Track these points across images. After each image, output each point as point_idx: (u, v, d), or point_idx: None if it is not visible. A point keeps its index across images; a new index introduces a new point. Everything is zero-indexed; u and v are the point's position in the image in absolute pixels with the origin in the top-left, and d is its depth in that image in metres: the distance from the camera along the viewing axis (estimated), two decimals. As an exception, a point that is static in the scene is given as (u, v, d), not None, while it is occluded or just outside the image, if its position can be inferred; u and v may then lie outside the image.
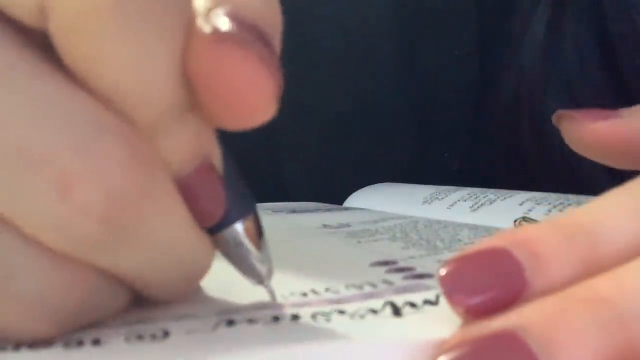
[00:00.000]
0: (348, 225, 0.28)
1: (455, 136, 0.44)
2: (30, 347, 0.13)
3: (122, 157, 0.12)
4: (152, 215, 0.13)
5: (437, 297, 0.15)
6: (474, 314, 0.13)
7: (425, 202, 0.34)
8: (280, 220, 0.31)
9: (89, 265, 0.13)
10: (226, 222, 0.15)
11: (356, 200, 0.40)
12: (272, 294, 0.16)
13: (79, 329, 0.14)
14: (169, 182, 0.13)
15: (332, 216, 0.32)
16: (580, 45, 0.36)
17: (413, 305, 0.15)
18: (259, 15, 0.13)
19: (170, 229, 0.14)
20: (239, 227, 0.15)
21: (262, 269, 0.15)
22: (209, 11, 0.13)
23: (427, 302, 0.15)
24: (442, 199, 0.34)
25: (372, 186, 0.41)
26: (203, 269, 0.15)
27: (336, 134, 0.45)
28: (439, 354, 0.12)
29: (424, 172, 0.43)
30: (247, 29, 0.13)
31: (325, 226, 0.28)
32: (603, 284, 0.13)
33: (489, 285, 0.13)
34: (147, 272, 0.14)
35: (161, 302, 0.15)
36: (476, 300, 0.13)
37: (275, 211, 0.35)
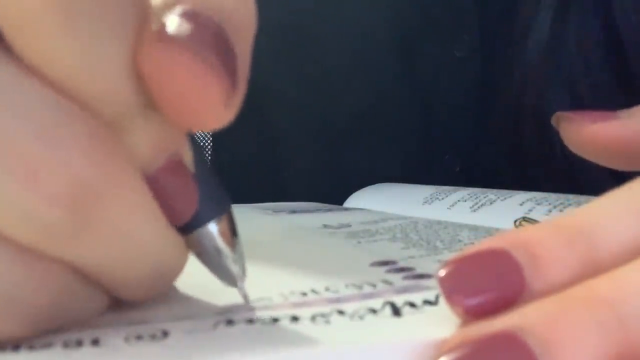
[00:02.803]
0: (348, 225, 0.28)
1: (456, 137, 0.44)
2: (29, 347, 0.13)
3: (86, 146, 0.12)
4: (118, 205, 0.13)
5: (437, 297, 0.15)
6: (473, 315, 0.13)
7: (425, 202, 0.34)
8: (280, 220, 0.31)
9: (58, 262, 0.13)
10: (199, 221, 0.15)
11: (356, 200, 0.40)
12: (245, 296, 0.15)
13: (57, 330, 0.14)
14: (135, 175, 0.13)
15: (332, 216, 0.32)
16: (584, 45, 0.36)
17: (412, 305, 0.15)
18: (226, 14, 0.13)
19: (138, 222, 0.13)
20: (213, 226, 0.15)
21: (235, 270, 0.15)
22: (166, 8, 0.13)
23: (427, 302, 0.15)
24: (442, 199, 0.34)
25: (372, 186, 0.41)
26: (175, 269, 0.15)
27: (336, 134, 0.45)
28: (439, 355, 0.12)
29: (425, 173, 0.43)
30: (201, 31, 0.13)
31: (325, 226, 0.28)
32: (602, 285, 0.13)
33: (488, 286, 0.13)
34: (117, 269, 0.14)
35: (135, 302, 0.15)
36: (475, 300, 0.13)
37: (275, 211, 0.35)
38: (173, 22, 0.13)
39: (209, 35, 0.13)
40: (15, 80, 0.12)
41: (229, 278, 0.15)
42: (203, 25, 0.13)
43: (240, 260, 0.15)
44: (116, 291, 0.15)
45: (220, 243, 0.15)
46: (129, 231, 0.13)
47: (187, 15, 0.13)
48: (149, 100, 0.13)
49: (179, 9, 0.13)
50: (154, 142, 0.14)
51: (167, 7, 0.13)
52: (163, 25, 0.13)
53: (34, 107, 0.12)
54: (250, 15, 0.14)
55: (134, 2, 0.13)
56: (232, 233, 0.15)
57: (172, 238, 0.14)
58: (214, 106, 0.13)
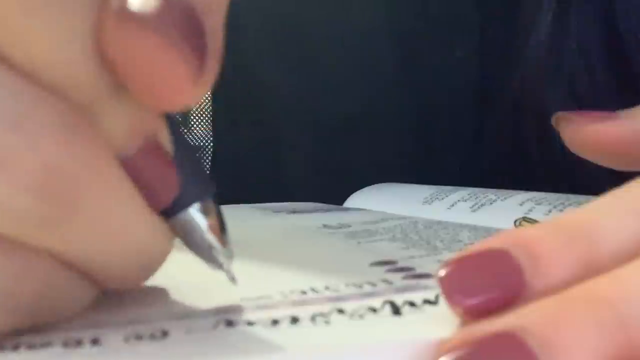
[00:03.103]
0: (348, 226, 0.28)
1: (456, 137, 0.44)
2: (29, 346, 0.13)
3: (55, 131, 0.12)
4: (94, 190, 0.13)
5: (437, 297, 0.15)
6: (473, 315, 0.13)
7: (425, 202, 0.34)
8: (280, 220, 0.31)
9: (40, 251, 0.13)
10: (181, 204, 0.14)
11: (356, 200, 0.40)
12: (232, 278, 0.15)
13: (45, 329, 0.14)
14: (110, 159, 0.13)
15: (332, 216, 0.32)
16: (585, 45, 0.35)
17: (412, 304, 0.15)
18: None
19: (117, 207, 0.13)
20: (195, 210, 0.14)
21: (220, 254, 0.15)
22: None
23: (427, 302, 0.15)
24: (442, 199, 0.34)
25: (372, 186, 0.41)
26: (160, 254, 0.15)
27: (336, 134, 0.45)
28: (439, 354, 0.12)
29: (425, 173, 0.43)
30: (166, 8, 0.12)
31: (325, 226, 0.28)
32: (603, 285, 0.13)
33: (488, 286, 0.13)
34: (99, 256, 0.14)
35: (119, 290, 0.15)
36: (475, 300, 0.13)
37: (275, 211, 0.35)
38: (135, 1, 0.12)
39: (175, 13, 0.12)
40: None
41: (214, 262, 0.15)
42: (169, 3, 0.12)
43: (226, 242, 0.15)
44: (101, 279, 0.14)
45: (204, 226, 0.15)
46: (107, 217, 0.13)
47: None
48: (119, 82, 0.13)
49: None
50: (128, 125, 0.13)
51: None
52: (125, 2, 0.12)
53: (4, 96, 0.12)
54: None
55: None
56: (218, 218, 0.15)
57: (154, 222, 0.14)
58: (182, 86, 0.13)
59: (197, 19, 0.13)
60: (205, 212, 0.15)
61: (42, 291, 0.13)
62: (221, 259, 0.15)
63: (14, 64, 0.12)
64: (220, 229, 0.15)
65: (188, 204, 0.14)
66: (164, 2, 0.12)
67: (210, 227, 0.15)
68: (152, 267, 0.15)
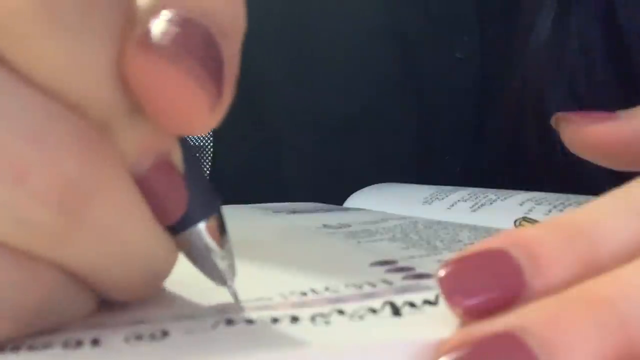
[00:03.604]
0: (348, 226, 0.28)
1: (456, 137, 0.44)
2: (29, 347, 0.13)
3: (74, 146, 0.12)
4: (108, 205, 0.13)
5: (437, 297, 0.15)
6: (472, 315, 0.13)
7: (425, 202, 0.34)
8: (280, 221, 0.31)
9: (46, 262, 0.13)
10: (188, 221, 0.15)
11: (356, 200, 0.40)
12: (234, 295, 0.15)
13: (46, 331, 0.14)
14: (124, 175, 0.13)
15: (332, 216, 0.32)
16: (586, 45, 0.35)
17: (412, 305, 0.15)
18: (215, 17, 0.13)
19: (127, 222, 0.13)
20: (202, 226, 0.15)
21: (224, 269, 0.15)
22: (152, 12, 0.13)
23: (427, 302, 0.15)
24: (442, 199, 0.34)
25: (372, 186, 0.41)
26: (165, 269, 0.15)
27: (336, 134, 0.45)
28: (439, 355, 0.12)
29: (425, 173, 0.43)
30: (186, 38, 0.12)
31: (325, 226, 0.28)
32: (602, 285, 0.13)
33: (488, 286, 0.13)
34: (106, 269, 0.14)
35: (124, 303, 0.15)
36: (474, 301, 0.13)
37: (275, 211, 0.35)
38: (157, 29, 0.12)
39: (194, 42, 0.13)
40: (8, 84, 0.12)
41: (218, 277, 0.15)
42: (189, 32, 0.13)
43: (230, 260, 0.15)
44: (106, 291, 0.15)
45: (210, 242, 0.15)
46: (118, 231, 0.13)
47: (173, 21, 0.13)
48: (136, 103, 0.13)
49: (165, 14, 0.13)
50: (143, 143, 0.14)
51: (154, 11, 0.13)
52: (147, 32, 0.12)
53: (21, 108, 0.12)
54: (239, 17, 0.14)
55: (119, 4, 0.13)
56: (221, 233, 0.15)
57: (162, 238, 0.14)
58: (199, 113, 0.13)
59: (216, 46, 0.13)
60: (210, 228, 0.15)
61: (46, 301, 0.13)
62: (225, 275, 0.15)
63: (37, 82, 0.12)
64: (224, 243, 0.15)
65: (195, 220, 0.15)
66: (183, 31, 0.13)
67: (215, 241, 0.15)
68: (157, 280, 0.15)
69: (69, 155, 0.12)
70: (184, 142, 0.15)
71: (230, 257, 0.15)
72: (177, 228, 0.15)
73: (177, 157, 0.14)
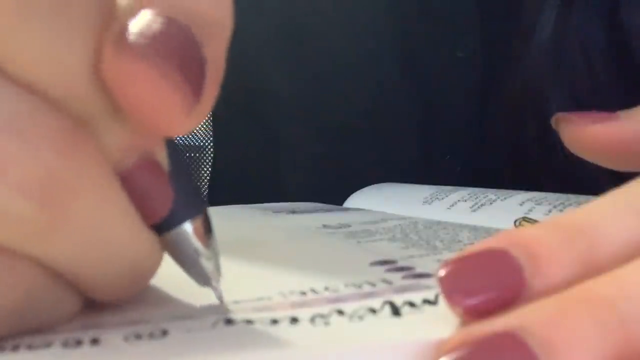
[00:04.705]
0: (348, 226, 0.28)
1: (457, 137, 0.44)
2: (28, 346, 0.13)
3: (54, 138, 0.12)
4: (89, 200, 0.13)
5: (436, 297, 0.15)
6: (472, 315, 0.13)
7: (425, 202, 0.34)
8: (280, 220, 0.31)
9: (27, 260, 0.13)
10: (174, 221, 0.15)
11: (356, 200, 0.40)
12: (220, 297, 0.15)
13: (29, 332, 0.14)
14: (107, 170, 0.13)
15: (331, 216, 0.32)
16: (587, 46, 0.35)
17: (412, 304, 0.15)
18: (198, 17, 0.13)
19: (110, 218, 0.13)
20: (188, 226, 0.15)
21: (210, 270, 0.15)
22: (131, 11, 0.13)
23: (426, 302, 0.15)
24: (442, 199, 0.34)
25: (372, 186, 0.41)
26: (149, 268, 0.15)
27: (336, 134, 0.45)
28: (439, 355, 0.12)
29: (425, 173, 0.43)
30: (164, 39, 0.12)
31: (325, 226, 0.28)
32: (602, 285, 0.13)
33: (488, 285, 0.13)
34: (89, 267, 0.14)
35: (109, 303, 0.15)
36: (474, 300, 0.13)
37: (275, 211, 0.35)
38: (135, 28, 0.12)
39: (173, 44, 0.12)
40: None
41: (203, 279, 0.15)
42: (168, 32, 0.12)
43: (215, 261, 0.15)
44: (89, 291, 0.14)
45: (195, 243, 0.15)
46: (101, 227, 0.13)
47: (152, 21, 0.12)
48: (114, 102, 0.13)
49: (144, 14, 0.12)
50: (126, 140, 0.13)
51: (133, 10, 0.13)
52: (123, 30, 0.12)
53: (6, 104, 0.12)
54: (225, 16, 0.14)
55: (98, 2, 0.13)
56: (207, 233, 0.15)
57: (146, 237, 0.14)
58: (174, 115, 0.13)
59: (196, 48, 0.13)
60: (196, 229, 0.15)
61: (27, 301, 0.13)
62: (210, 276, 0.15)
63: (15, 75, 0.12)
64: (209, 244, 0.15)
65: (181, 220, 0.15)
66: (162, 32, 0.12)
67: (200, 242, 0.15)
68: (141, 280, 0.15)
69: (50, 149, 0.12)
70: (170, 141, 0.15)
71: (215, 258, 0.15)
72: (162, 227, 0.15)
73: (161, 155, 0.14)
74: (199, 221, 0.15)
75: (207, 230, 0.15)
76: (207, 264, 0.15)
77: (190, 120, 0.13)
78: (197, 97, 0.13)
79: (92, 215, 0.13)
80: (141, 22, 0.12)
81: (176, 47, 0.12)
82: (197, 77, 0.13)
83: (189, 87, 0.12)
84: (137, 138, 0.14)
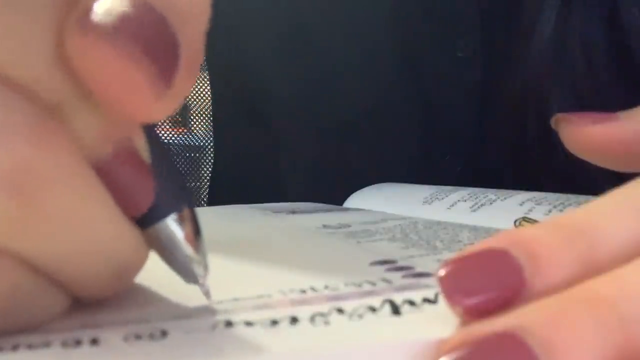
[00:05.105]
0: (348, 226, 0.28)
1: (457, 137, 0.44)
2: (28, 346, 0.13)
3: (25, 128, 0.12)
4: (63, 190, 0.12)
5: (436, 296, 0.15)
6: (472, 314, 0.13)
7: (425, 202, 0.34)
8: (280, 221, 0.31)
9: (10, 257, 0.13)
10: (157, 214, 0.14)
11: (356, 200, 0.40)
12: (207, 294, 0.15)
13: (28, 331, 0.14)
14: (81, 160, 0.13)
15: (331, 216, 0.32)
16: (588, 45, 0.35)
17: (412, 303, 0.15)
18: (171, 1, 0.12)
19: (86, 209, 0.13)
20: (172, 220, 0.14)
21: (196, 267, 0.15)
22: None
23: (426, 300, 0.15)
24: (442, 199, 0.34)
25: (372, 186, 0.41)
26: (133, 264, 0.15)
27: (336, 134, 0.45)
28: (439, 354, 0.12)
29: (425, 173, 0.43)
30: (131, 20, 0.12)
31: (325, 226, 0.28)
32: (602, 285, 0.13)
33: (488, 285, 0.13)
34: (70, 262, 0.13)
35: (94, 300, 0.15)
36: (474, 300, 0.13)
37: (275, 211, 0.35)
38: (100, 9, 0.12)
39: (140, 25, 0.12)
40: None
41: (190, 275, 0.15)
42: (135, 14, 0.12)
43: (202, 257, 0.15)
44: (73, 287, 0.14)
45: (181, 238, 0.14)
46: (78, 220, 0.13)
47: (118, 2, 0.12)
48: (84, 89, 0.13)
49: None
50: (100, 129, 0.13)
51: None
52: (88, 10, 0.12)
53: None
54: (201, 1, 0.13)
55: None
56: (193, 228, 0.15)
57: (128, 230, 0.14)
58: (143, 99, 0.12)
59: (168, 31, 0.12)
60: (181, 223, 0.14)
61: (11, 297, 0.13)
62: (197, 272, 0.15)
63: None
64: (196, 239, 0.15)
65: (165, 214, 0.14)
66: (129, 13, 0.12)
67: (186, 237, 0.14)
68: (125, 276, 0.15)
69: (18, 138, 0.12)
70: (150, 131, 0.14)
71: (202, 254, 0.15)
72: (146, 221, 0.14)
73: (140, 145, 0.14)
74: (184, 215, 0.14)
75: (193, 225, 0.15)
76: (193, 260, 0.15)
77: (162, 105, 0.12)
78: (167, 80, 0.12)
79: (67, 207, 0.13)
80: (107, 3, 0.12)
81: (144, 28, 0.12)
82: (168, 60, 0.12)
83: (157, 69, 0.12)
84: (112, 126, 0.13)
